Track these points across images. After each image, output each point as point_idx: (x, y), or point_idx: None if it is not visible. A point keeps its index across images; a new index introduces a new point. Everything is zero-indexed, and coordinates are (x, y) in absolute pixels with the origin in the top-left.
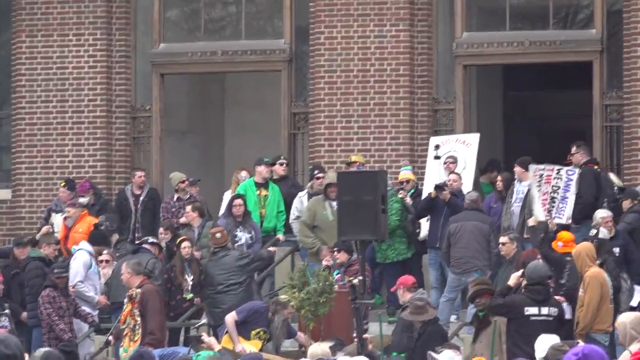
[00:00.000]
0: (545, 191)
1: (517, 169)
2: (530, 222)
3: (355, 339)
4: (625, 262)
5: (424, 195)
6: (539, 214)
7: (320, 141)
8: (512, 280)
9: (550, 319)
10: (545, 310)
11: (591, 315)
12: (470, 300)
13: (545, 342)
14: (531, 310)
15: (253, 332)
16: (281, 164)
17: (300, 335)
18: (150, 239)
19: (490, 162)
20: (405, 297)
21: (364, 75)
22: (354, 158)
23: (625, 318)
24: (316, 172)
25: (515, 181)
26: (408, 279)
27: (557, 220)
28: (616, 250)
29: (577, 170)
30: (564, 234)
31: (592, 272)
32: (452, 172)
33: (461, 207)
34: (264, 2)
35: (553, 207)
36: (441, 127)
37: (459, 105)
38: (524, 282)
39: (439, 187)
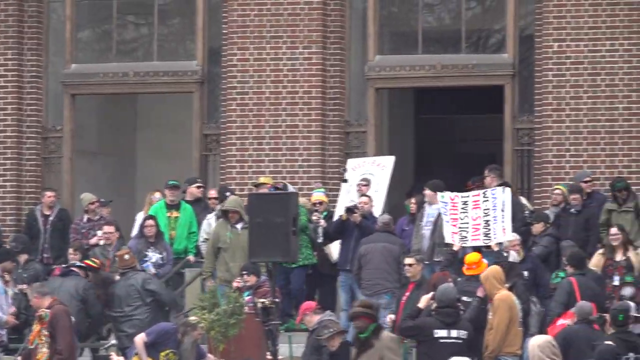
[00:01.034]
0: (477, 216)
1: (428, 192)
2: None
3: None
4: (534, 286)
5: (336, 217)
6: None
7: (231, 163)
8: (422, 302)
9: (460, 341)
10: (454, 333)
11: (500, 338)
12: (350, 319)
13: None
14: (440, 333)
15: (162, 354)
16: (198, 187)
17: (210, 357)
18: (78, 263)
19: (415, 187)
20: (313, 320)
21: (276, 98)
22: (262, 180)
23: (535, 341)
24: (227, 193)
25: (426, 204)
26: (310, 303)
27: (496, 241)
28: (525, 273)
29: (498, 188)
30: (470, 257)
31: (501, 295)
32: (363, 194)
33: (372, 230)
34: (176, 23)
35: (489, 230)
36: (353, 149)
37: (370, 128)
38: (434, 305)
39: (349, 210)
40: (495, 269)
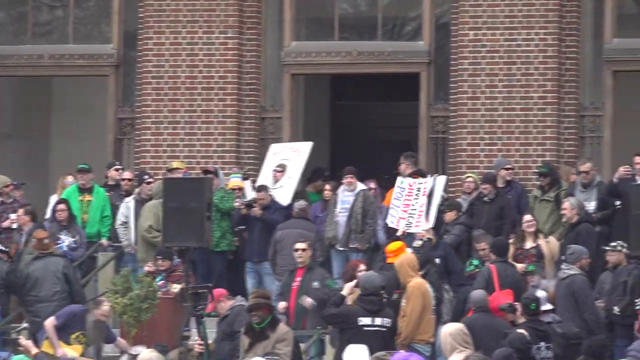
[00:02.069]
0: (423, 203)
1: (350, 179)
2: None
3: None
4: (446, 273)
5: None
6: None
7: (146, 147)
8: (346, 290)
9: (384, 329)
10: (378, 320)
11: (413, 325)
12: (247, 311)
13: (354, 352)
14: (365, 321)
15: (72, 336)
16: (117, 170)
17: (120, 340)
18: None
19: (315, 171)
20: (227, 305)
21: (192, 82)
22: (175, 165)
23: (447, 329)
24: (145, 177)
25: (340, 190)
26: (222, 290)
27: (418, 229)
28: (437, 261)
29: (438, 177)
30: (390, 246)
31: (414, 282)
32: (278, 180)
33: (276, 221)
34: (91, 6)
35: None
36: (268, 135)
37: (286, 113)
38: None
39: (248, 205)
40: (409, 256)
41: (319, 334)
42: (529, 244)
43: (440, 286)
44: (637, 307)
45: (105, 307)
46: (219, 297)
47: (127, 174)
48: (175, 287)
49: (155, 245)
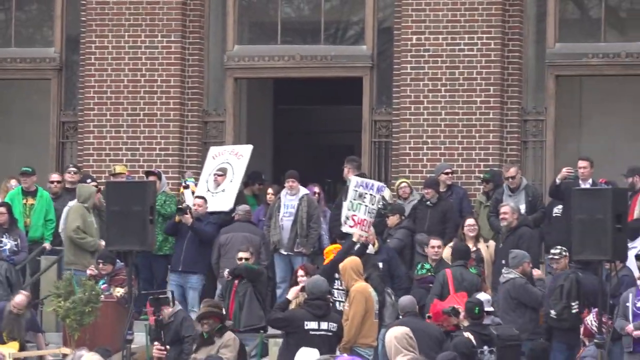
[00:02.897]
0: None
1: (292, 183)
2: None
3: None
4: (389, 277)
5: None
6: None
7: (89, 151)
8: (291, 294)
9: (330, 334)
10: (324, 325)
11: (355, 329)
12: (198, 319)
13: (305, 356)
14: (311, 325)
15: (4, 334)
16: (70, 172)
17: (39, 337)
18: None
19: (252, 175)
20: (168, 312)
21: (135, 86)
22: (118, 169)
23: (392, 332)
24: (88, 180)
25: (282, 195)
26: None
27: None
28: (380, 265)
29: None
30: (328, 247)
31: (357, 286)
32: (219, 185)
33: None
34: (34, 10)
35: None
36: (211, 139)
37: (229, 117)
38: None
39: (181, 211)
40: (354, 260)
41: (263, 337)
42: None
43: (383, 290)
44: (574, 311)
45: (18, 298)
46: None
47: (55, 176)
48: (118, 291)
49: (83, 248)
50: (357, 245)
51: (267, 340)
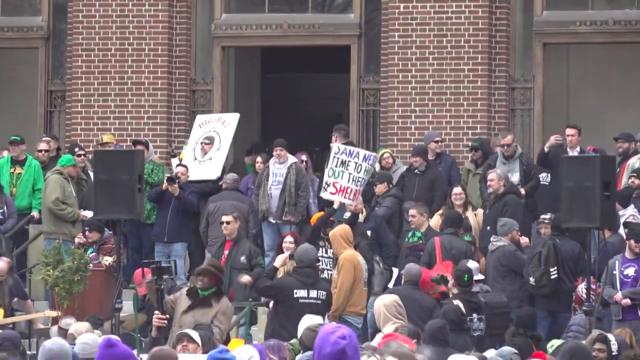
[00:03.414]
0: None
1: (280, 151)
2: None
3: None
4: (377, 245)
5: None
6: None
7: (76, 120)
8: (278, 261)
9: (319, 302)
10: (314, 293)
11: (344, 297)
12: (196, 274)
13: (309, 323)
14: (300, 293)
15: None
16: (45, 142)
17: (27, 303)
18: None
19: (255, 145)
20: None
21: (122, 55)
22: (105, 138)
23: (381, 300)
24: (76, 149)
25: (270, 163)
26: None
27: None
28: (369, 233)
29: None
30: (314, 215)
31: (346, 254)
32: (206, 153)
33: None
34: None
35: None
36: (199, 107)
37: (216, 86)
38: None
39: (170, 179)
40: (344, 228)
41: (252, 305)
42: None
43: (372, 258)
44: (553, 277)
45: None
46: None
47: (42, 145)
48: (107, 260)
49: (62, 218)
50: (348, 214)
51: (255, 308)
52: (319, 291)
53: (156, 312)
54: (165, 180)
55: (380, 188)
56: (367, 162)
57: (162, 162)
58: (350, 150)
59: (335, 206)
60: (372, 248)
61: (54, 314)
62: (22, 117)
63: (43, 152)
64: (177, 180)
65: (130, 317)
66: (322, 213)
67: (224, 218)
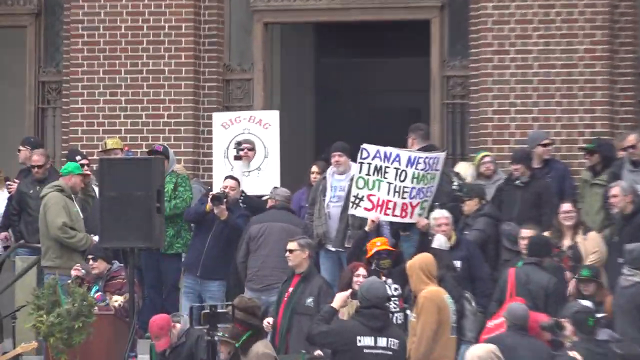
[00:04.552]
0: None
1: (339, 158)
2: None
3: None
4: (469, 280)
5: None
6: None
7: (77, 119)
8: (338, 301)
9: (389, 352)
10: (382, 341)
11: (425, 347)
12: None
13: None
14: (365, 341)
15: None
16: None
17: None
18: None
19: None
20: (177, 331)
21: (135, 35)
22: (110, 143)
23: (475, 351)
24: (77, 157)
25: (328, 174)
26: (163, 316)
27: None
28: (457, 264)
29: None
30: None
31: (428, 292)
32: (250, 160)
33: (240, 229)
34: None
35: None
36: (234, 102)
37: (257, 74)
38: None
39: (216, 199)
40: (426, 257)
41: (304, 357)
42: (567, 242)
43: (461, 295)
44: None
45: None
46: (169, 326)
47: (36, 158)
48: (116, 300)
49: (72, 247)
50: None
51: None
52: (390, 339)
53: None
54: (209, 200)
55: (470, 205)
56: (415, 166)
57: (185, 172)
58: (386, 153)
59: (368, 228)
60: (461, 283)
61: (30, 346)
62: (8, 115)
63: (37, 168)
64: (225, 199)
65: None
66: (383, 239)
67: (289, 245)
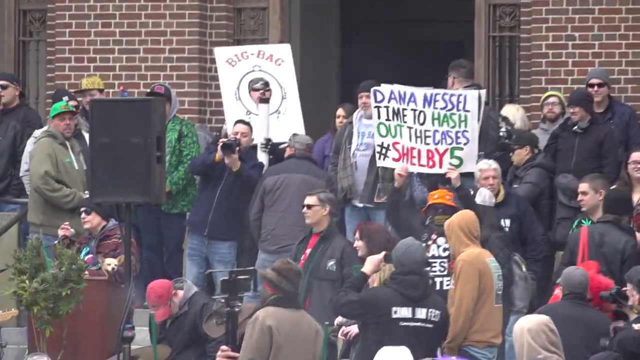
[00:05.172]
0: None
1: (367, 99)
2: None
3: None
4: (519, 241)
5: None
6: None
7: (64, 53)
8: (369, 265)
9: (429, 325)
10: (421, 312)
11: (464, 318)
12: None
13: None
14: (402, 312)
15: None
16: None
17: None
18: None
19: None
20: (178, 299)
21: None
22: (85, 83)
23: (523, 323)
24: (65, 98)
25: (354, 118)
26: (164, 282)
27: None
28: (506, 222)
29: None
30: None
31: (467, 254)
32: (267, 101)
33: (253, 181)
34: None
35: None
36: (247, 35)
37: (273, 2)
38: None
39: (228, 147)
40: (466, 215)
41: (328, 331)
42: (636, 197)
43: (509, 259)
44: None
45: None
46: (169, 294)
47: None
48: (110, 263)
49: (55, 203)
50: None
51: (335, 336)
52: (430, 310)
53: (223, 347)
54: (219, 148)
55: (520, 154)
56: (433, 105)
57: (185, 117)
58: (400, 93)
59: (397, 184)
60: (508, 245)
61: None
62: None
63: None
64: (238, 147)
65: (146, 352)
66: (442, 191)
67: (306, 200)
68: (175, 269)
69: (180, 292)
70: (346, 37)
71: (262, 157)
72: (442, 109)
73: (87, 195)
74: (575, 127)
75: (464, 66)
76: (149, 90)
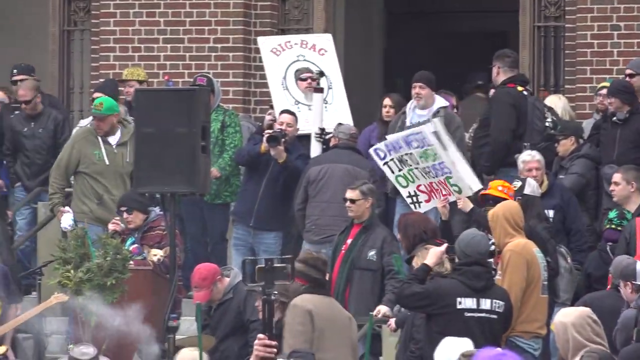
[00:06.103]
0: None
1: (421, 90)
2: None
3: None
4: (564, 232)
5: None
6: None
7: (108, 43)
8: (432, 257)
9: (494, 316)
10: (486, 303)
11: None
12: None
13: (450, 349)
14: (467, 303)
15: None
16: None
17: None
18: None
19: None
20: (223, 286)
21: None
22: (126, 74)
23: (565, 316)
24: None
25: (407, 108)
26: (211, 266)
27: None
28: (550, 213)
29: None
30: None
31: (514, 245)
32: (319, 90)
33: (299, 172)
34: None
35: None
36: (291, 24)
37: None
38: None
39: (273, 139)
40: (511, 205)
41: (373, 322)
42: None
43: (555, 250)
44: None
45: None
46: (214, 278)
47: (22, 92)
48: (155, 254)
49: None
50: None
51: (379, 326)
52: (494, 301)
53: (260, 335)
54: (265, 140)
55: (565, 145)
56: (413, 145)
57: (230, 106)
58: (392, 144)
59: (444, 216)
60: (554, 236)
61: (65, 297)
62: (29, 40)
63: (25, 104)
64: (283, 139)
65: (191, 341)
66: (500, 182)
67: (348, 194)
68: (220, 259)
69: (226, 280)
70: (391, 25)
71: (317, 146)
72: (416, 148)
73: (69, 211)
74: (614, 118)
75: (509, 55)
76: (192, 82)
